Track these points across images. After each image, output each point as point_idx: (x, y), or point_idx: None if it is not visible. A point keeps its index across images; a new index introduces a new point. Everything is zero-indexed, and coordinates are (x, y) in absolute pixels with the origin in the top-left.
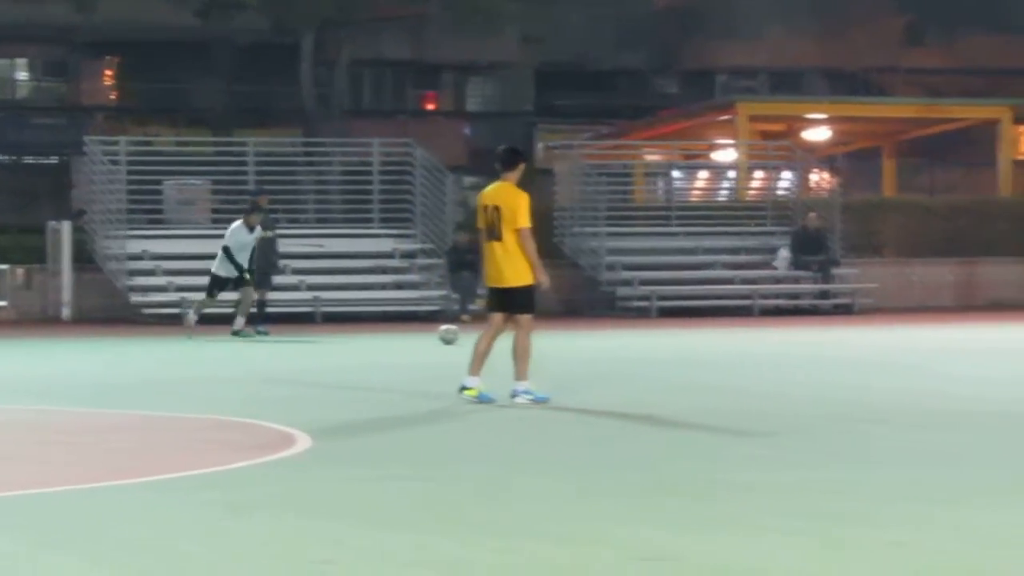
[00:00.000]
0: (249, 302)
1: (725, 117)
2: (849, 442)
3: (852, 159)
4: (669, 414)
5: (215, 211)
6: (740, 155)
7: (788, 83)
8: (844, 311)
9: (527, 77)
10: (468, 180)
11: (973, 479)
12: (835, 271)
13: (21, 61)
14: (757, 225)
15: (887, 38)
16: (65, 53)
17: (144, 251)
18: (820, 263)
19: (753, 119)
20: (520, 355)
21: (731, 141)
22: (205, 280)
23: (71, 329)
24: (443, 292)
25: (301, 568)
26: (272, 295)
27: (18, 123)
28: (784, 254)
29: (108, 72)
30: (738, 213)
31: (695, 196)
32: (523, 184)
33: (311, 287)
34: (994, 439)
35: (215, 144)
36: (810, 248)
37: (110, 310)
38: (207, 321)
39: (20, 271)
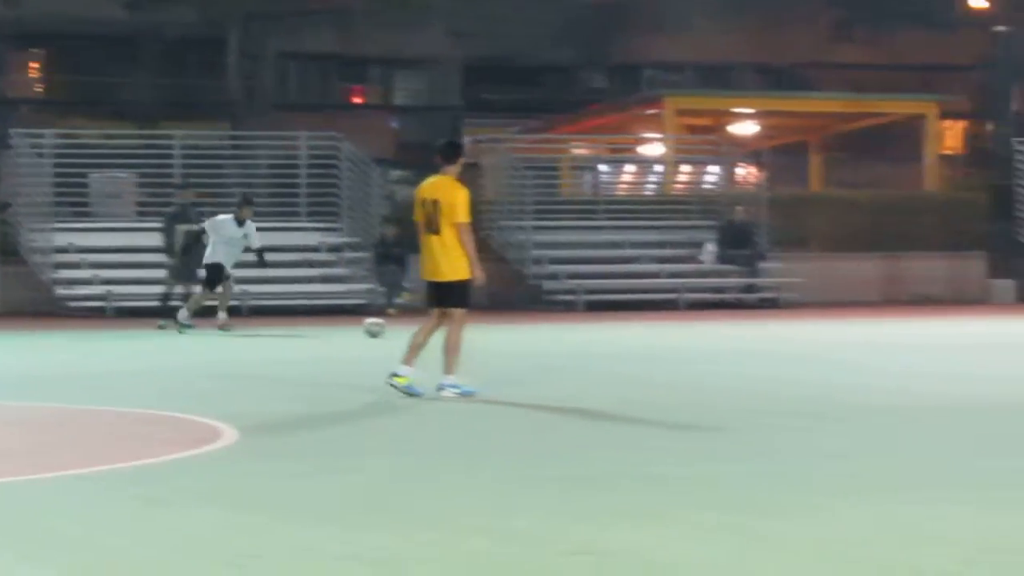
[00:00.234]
0: (229, 296)
1: (652, 111)
2: (772, 435)
3: (779, 154)
4: (594, 407)
5: (141, 204)
6: (667, 149)
7: (716, 78)
8: (770, 305)
9: (454, 71)
10: (395, 174)
11: (894, 473)
12: (761, 265)
13: None
14: (684, 219)
15: (815, 33)
16: None
17: (70, 244)
18: (746, 257)
19: (680, 113)
20: (450, 349)
21: (658, 135)
22: (131, 273)
23: None
24: (369, 285)
25: (228, 562)
26: (198, 288)
27: None
28: (710, 248)
29: (34, 65)
30: (665, 207)
31: (622, 190)
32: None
33: (238, 280)
34: (917, 433)
35: (141, 137)
36: (736, 242)
37: (36, 303)
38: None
39: None
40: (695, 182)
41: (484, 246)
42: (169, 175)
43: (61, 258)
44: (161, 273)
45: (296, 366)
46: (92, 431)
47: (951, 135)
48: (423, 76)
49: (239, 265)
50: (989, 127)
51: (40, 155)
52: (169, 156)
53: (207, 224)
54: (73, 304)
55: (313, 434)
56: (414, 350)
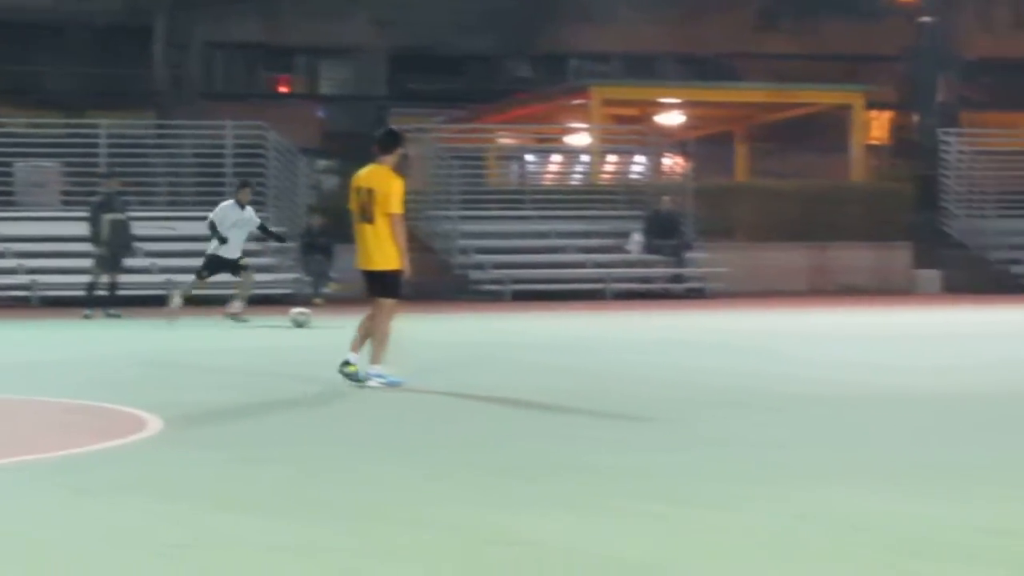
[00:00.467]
0: (250, 285)
1: (579, 101)
2: (701, 425)
3: (705, 144)
4: (522, 396)
5: (66, 193)
6: (593, 139)
7: (642, 68)
8: (696, 295)
9: (380, 61)
10: (321, 163)
11: (823, 462)
12: (688, 255)
13: None
14: (610, 209)
15: (741, 23)
16: None
17: None
18: (673, 247)
19: (607, 103)
20: (378, 339)
21: (584, 125)
22: (57, 263)
23: None
24: (296, 275)
25: (156, 552)
26: (124, 277)
27: None
28: (637, 238)
29: None
30: (591, 197)
31: (548, 180)
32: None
33: (163, 269)
34: (844, 423)
35: (67, 126)
36: (663, 232)
37: None
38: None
39: None
40: (621, 172)
41: (410, 236)
42: (95, 164)
43: None
44: (87, 262)
45: (224, 355)
46: (17, 421)
47: (877, 125)
48: (349, 65)
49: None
50: (915, 118)
51: None
52: (95, 145)
53: (214, 216)
54: None
55: (240, 423)
56: (361, 338)
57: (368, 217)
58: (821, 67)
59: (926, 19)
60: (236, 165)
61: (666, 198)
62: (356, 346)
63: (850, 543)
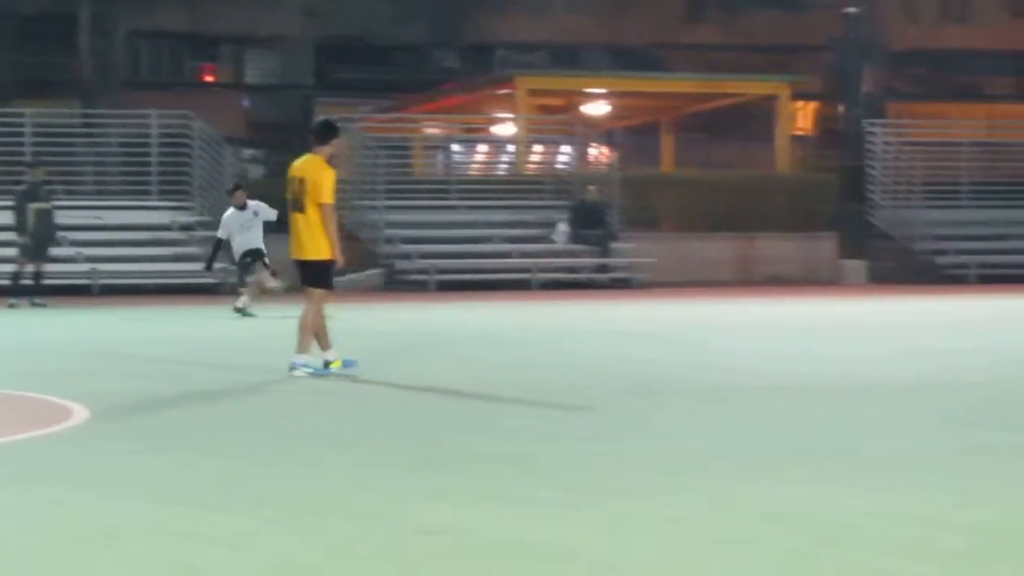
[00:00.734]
0: (262, 281)
1: (505, 91)
2: (632, 415)
3: (631, 134)
4: (452, 387)
5: None
6: (520, 129)
7: (568, 58)
8: (622, 285)
9: (306, 50)
10: (247, 152)
11: (754, 452)
12: (613, 245)
13: None
14: (536, 199)
15: (668, 13)
16: None
17: None
18: (599, 237)
19: (533, 93)
20: (305, 328)
21: (511, 115)
22: None
23: None
24: (222, 264)
25: (83, 541)
26: (49, 267)
27: None
28: (563, 228)
29: None
30: (517, 187)
31: (475, 170)
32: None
33: (88, 259)
34: (768, 412)
35: None
36: (589, 222)
37: None
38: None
39: None
40: (548, 162)
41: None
42: (20, 153)
43: None
44: (12, 252)
45: (146, 345)
46: None
47: (803, 116)
48: (275, 55)
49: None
50: (840, 108)
51: None
52: (20, 134)
53: (221, 234)
54: None
55: (164, 413)
56: (321, 333)
57: (300, 207)
58: (748, 58)
59: (852, 10)
60: (161, 154)
61: (592, 188)
62: (324, 343)
63: (765, 530)
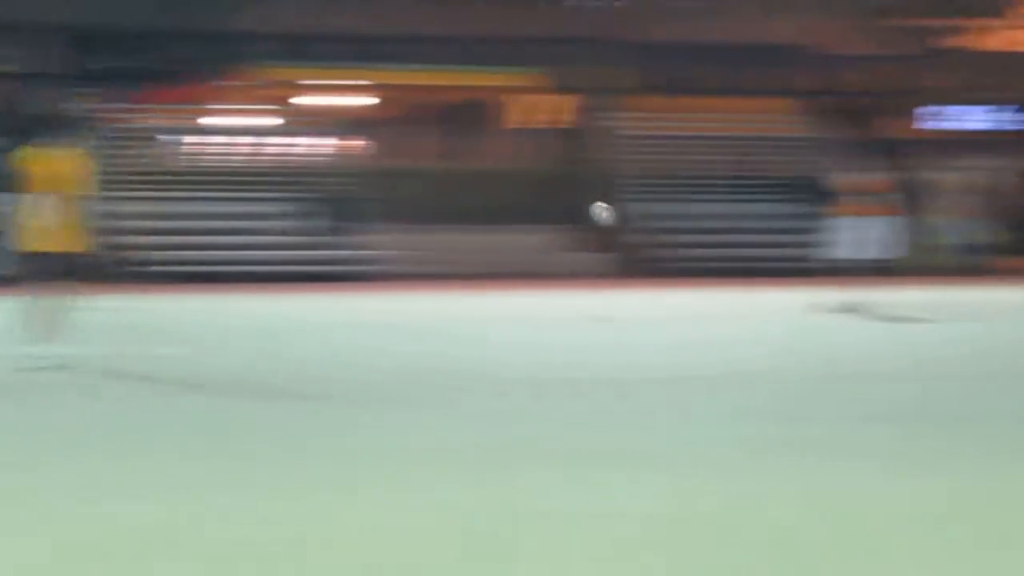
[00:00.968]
0: None
1: (243, 82)
2: (386, 409)
3: (371, 125)
4: (204, 380)
5: None
6: (259, 120)
7: (308, 49)
8: (363, 277)
9: (54, 38)
10: None
11: (542, 443)
12: (354, 237)
13: None
14: (275, 191)
15: (407, 4)
16: None
17: None
18: (338, 229)
19: (271, 84)
20: (45, 319)
21: (250, 106)
22: None
23: None
24: None
25: None
26: None
27: None
28: (300, 220)
29: None
30: (255, 179)
31: (212, 161)
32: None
33: None
34: (559, 404)
35: None
36: (330, 214)
37: None
38: None
39: None
40: (287, 153)
41: (77, 216)
42: None
43: None
44: None
45: None
46: None
47: (544, 109)
48: (23, 43)
49: None
50: (584, 101)
51: None
52: None
53: None
54: None
55: None
56: (48, 324)
57: (43, 197)
58: (489, 50)
59: (593, 2)
60: None
61: (333, 180)
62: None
63: (537, 528)
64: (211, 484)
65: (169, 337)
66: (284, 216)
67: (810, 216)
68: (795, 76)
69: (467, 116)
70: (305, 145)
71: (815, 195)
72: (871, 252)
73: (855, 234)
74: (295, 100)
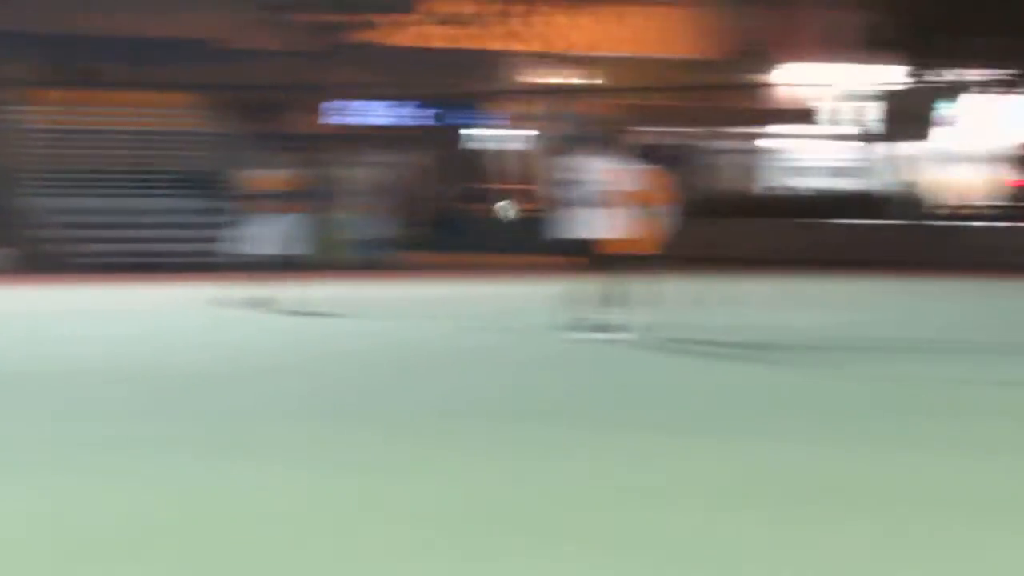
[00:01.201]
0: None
1: None
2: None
3: None
4: None
5: None
6: None
7: None
8: None
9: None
10: None
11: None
12: None
13: None
14: None
15: None
16: None
17: None
18: None
19: None
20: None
21: None
22: None
23: None
24: None
25: None
26: None
27: None
28: None
29: None
30: None
31: None
32: None
33: None
34: (147, 395)
35: None
36: None
37: None
38: None
39: None
40: None
41: None
42: None
43: None
44: None
45: None
46: None
47: None
48: None
49: None
50: None
51: None
52: None
53: None
54: None
55: None
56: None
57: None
58: None
59: None
60: None
61: None
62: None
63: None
64: None
65: None
66: None
67: (215, 211)
68: (199, 71)
69: None
70: None
71: (219, 190)
72: (277, 248)
73: (261, 230)
74: None
